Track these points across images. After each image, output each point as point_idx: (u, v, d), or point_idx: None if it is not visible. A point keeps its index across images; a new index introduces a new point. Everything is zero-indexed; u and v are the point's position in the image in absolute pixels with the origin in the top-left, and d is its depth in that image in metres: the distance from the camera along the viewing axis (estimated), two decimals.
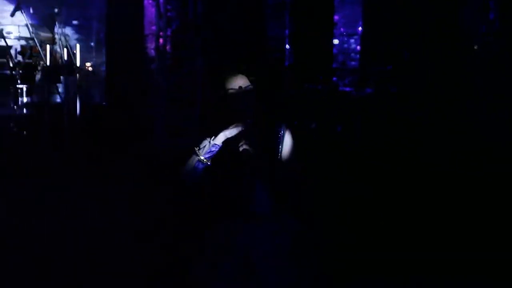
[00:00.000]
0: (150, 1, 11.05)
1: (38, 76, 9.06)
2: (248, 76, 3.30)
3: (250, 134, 3.20)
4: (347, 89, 10.70)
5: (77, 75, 9.24)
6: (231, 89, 3.26)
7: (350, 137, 9.51)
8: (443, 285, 4.53)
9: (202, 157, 3.20)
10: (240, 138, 3.19)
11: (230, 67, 3.34)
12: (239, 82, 3.28)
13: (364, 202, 6.30)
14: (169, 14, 10.90)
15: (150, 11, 11.10)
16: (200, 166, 3.24)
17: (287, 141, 3.33)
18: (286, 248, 3.17)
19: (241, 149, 3.15)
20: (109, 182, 7.20)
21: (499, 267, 4.67)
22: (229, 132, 3.19)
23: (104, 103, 10.48)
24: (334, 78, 10.86)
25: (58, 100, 9.27)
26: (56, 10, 8.91)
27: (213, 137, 3.19)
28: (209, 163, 3.22)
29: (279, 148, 3.33)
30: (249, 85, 3.29)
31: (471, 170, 7.21)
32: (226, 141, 3.25)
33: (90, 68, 10.64)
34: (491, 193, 6.44)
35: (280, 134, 3.33)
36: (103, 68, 11.08)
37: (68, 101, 9.19)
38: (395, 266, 4.78)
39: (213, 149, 3.19)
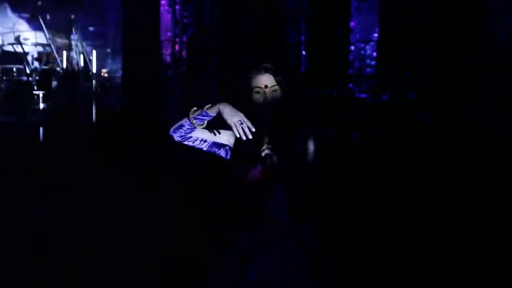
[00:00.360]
0: (166, 8, 11.08)
1: (54, 83, 9.08)
2: (274, 75, 3.15)
3: (273, 137, 3.06)
4: (363, 95, 10.67)
5: (93, 81, 9.28)
6: (257, 87, 3.15)
7: (365, 143, 9.49)
8: (443, 285, 4.54)
9: (191, 115, 3.13)
10: (262, 141, 3.04)
11: (256, 65, 3.17)
12: (265, 81, 3.12)
13: (374, 203, 6.31)
14: (185, 20, 10.93)
15: (166, 18, 11.13)
16: (187, 125, 3.16)
17: (309, 147, 3.26)
18: (300, 256, 3.13)
19: (263, 153, 3.01)
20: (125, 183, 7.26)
21: (499, 267, 4.65)
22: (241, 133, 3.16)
23: (119, 109, 10.50)
24: (350, 85, 10.85)
25: (75, 106, 9.30)
26: (73, 16, 8.97)
27: (210, 105, 3.12)
28: (196, 127, 3.13)
29: (300, 153, 3.26)
30: (275, 85, 3.14)
31: (471, 170, 7.21)
32: (248, 144, 3.20)
33: (105, 75, 10.67)
34: (491, 193, 6.43)
35: (302, 139, 3.27)
36: (119, 74, 11.11)
37: (84, 107, 9.24)
38: (396, 266, 4.78)
39: (205, 115, 3.11)
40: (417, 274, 4.67)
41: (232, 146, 3.21)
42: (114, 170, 7.79)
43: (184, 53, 10.98)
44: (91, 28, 10.79)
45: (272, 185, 3.16)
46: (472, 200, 6.29)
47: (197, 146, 3.20)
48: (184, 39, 10.97)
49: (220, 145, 3.21)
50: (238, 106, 3.28)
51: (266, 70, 3.11)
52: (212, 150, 3.21)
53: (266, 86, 3.09)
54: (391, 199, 6.52)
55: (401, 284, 4.57)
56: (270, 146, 2.99)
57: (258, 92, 3.09)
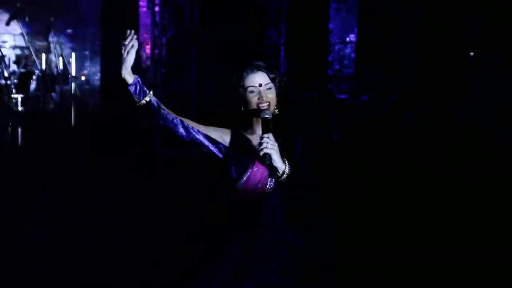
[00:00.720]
0: (145, 10, 11.04)
1: (32, 86, 9.01)
2: (267, 73, 3.13)
3: (269, 131, 3.00)
4: (343, 96, 10.70)
5: (72, 84, 9.22)
6: (251, 86, 3.11)
7: (348, 143, 9.52)
8: (443, 285, 4.56)
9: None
10: (260, 141, 2.99)
11: (249, 63, 3.15)
12: (259, 79, 3.11)
13: (372, 204, 6.32)
14: (164, 22, 10.89)
15: (145, 20, 11.08)
16: (144, 106, 3.03)
17: (305, 148, 3.19)
18: (292, 264, 3.10)
19: (261, 153, 2.95)
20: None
21: (499, 267, 4.67)
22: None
23: (99, 112, 10.44)
24: (329, 85, 10.87)
25: (53, 109, 9.25)
26: (52, 19, 8.90)
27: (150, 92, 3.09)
28: (138, 101, 3.01)
29: (296, 154, 3.22)
30: (269, 82, 3.12)
31: (471, 170, 7.23)
32: (247, 145, 3.17)
33: (83, 78, 10.60)
34: (491, 193, 6.45)
35: (298, 141, 3.17)
36: (97, 77, 11.04)
37: (63, 110, 9.19)
38: (395, 266, 4.79)
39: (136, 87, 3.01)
40: (417, 274, 4.68)
41: (226, 144, 3.17)
42: (96, 172, 7.78)
43: (163, 54, 10.94)
44: (69, 31, 10.70)
45: (268, 191, 3.12)
46: (471, 200, 6.31)
47: (192, 136, 3.11)
48: (164, 41, 10.93)
49: (213, 141, 3.16)
50: (233, 105, 3.26)
51: (260, 69, 3.11)
52: (205, 144, 3.15)
53: (260, 85, 3.08)
54: (389, 199, 6.52)
55: (401, 284, 4.58)
56: (268, 145, 2.94)
57: (252, 92, 3.08)
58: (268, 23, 11.39)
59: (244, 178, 3.11)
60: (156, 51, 10.94)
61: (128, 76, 3.02)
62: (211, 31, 10.91)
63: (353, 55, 11.09)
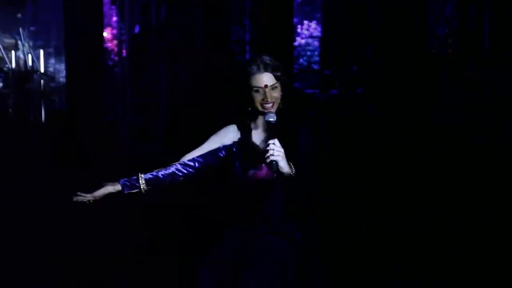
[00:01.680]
0: (109, 5, 10.95)
1: (0, 84, 8.86)
2: (273, 73, 3.05)
3: (275, 136, 2.95)
4: (310, 91, 10.83)
5: (41, 81, 9.09)
6: (256, 87, 3.05)
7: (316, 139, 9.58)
8: (445, 281, 4.62)
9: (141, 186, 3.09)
10: (266, 143, 2.95)
11: (254, 62, 3.07)
12: (265, 80, 3.03)
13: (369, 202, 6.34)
14: (130, 18, 10.82)
15: (109, 15, 10.99)
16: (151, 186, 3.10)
17: (306, 145, 3.14)
18: (291, 256, 3.11)
19: (268, 160, 2.91)
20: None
21: (499, 267, 4.70)
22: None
23: (65, 109, 10.31)
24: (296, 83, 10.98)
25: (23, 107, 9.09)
26: (19, 15, 8.76)
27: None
28: (142, 188, 3.08)
29: (298, 152, 3.21)
30: (275, 83, 3.06)
31: (471, 170, 7.26)
32: (250, 143, 3.15)
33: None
34: (491, 193, 6.48)
35: (301, 138, 3.15)
36: (62, 74, 10.90)
37: (33, 108, 9.05)
38: (394, 265, 4.82)
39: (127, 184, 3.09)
40: (416, 272, 4.70)
41: (228, 142, 3.17)
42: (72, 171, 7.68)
43: (130, 52, 10.87)
44: (32, 28, 10.53)
45: (271, 185, 3.12)
46: (471, 200, 6.34)
47: (203, 163, 3.14)
48: (130, 37, 10.86)
49: (213, 154, 3.16)
50: (239, 105, 3.23)
51: (266, 69, 3.04)
52: (211, 163, 3.16)
53: (266, 86, 3.02)
54: (387, 199, 6.54)
55: (399, 280, 4.61)
56: (275, 152, 2.88)
57: (257, 91, 3.03)
58: (232, 19, 11.42)
59: (248, 175, 3.11)
60: (123, 47, 10.86)
61: (112, 188, 3.07)
62: (178, 28, 10.88)
63: (318, 50, 11.24)
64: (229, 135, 3.21)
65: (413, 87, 9.57)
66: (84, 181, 7.16)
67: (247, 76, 3.06)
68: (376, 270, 4.70)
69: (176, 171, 3.12)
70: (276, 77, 3.06)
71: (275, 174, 2.96)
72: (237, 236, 3.14)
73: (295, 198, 3.14)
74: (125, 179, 3.06)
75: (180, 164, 3.13)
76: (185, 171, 3.13)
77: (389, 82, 9.86)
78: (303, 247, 3.14)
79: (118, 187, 3.04)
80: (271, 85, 3.04)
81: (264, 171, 3.10)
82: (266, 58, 3.08)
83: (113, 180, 3.08)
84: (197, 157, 3.15)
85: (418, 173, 7.37)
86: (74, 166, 7.92)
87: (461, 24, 9.46)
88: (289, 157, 2.96)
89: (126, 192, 3.05)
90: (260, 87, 3.03)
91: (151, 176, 3.08)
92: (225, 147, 3.18)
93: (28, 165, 7.93)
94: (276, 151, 2.88)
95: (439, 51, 9.72)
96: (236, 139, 3.19)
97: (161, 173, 3.10)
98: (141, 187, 3.06)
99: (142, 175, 3.08)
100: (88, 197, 3.08)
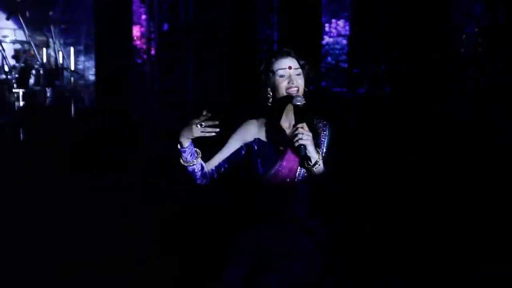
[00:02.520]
0: (139, 3, 11.04)
1: (31, 81, 8.97)
2: (297, 59, 3.04)
3: (303, 120, 2.92)
4: (337, 89, 10.80)
5: (71, 79, 9.21)
6: (280, 69, 3.00)
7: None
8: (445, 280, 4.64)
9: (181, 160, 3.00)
10: (293, 133, 2.92)
11: (278, 50, 3.12)
12: (289, 62, 3.01)
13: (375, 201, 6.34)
14: (159, 17, 10.90)
15: (139, 14, 11.08)
16: (189, 168, 3.00)
17: (328, 140, 3.09)
18: (316, 252, 3.10)
19: (296, 144, 2.88)
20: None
21: (499, 267, 4.73)
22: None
23: (95, 107, 10.42)
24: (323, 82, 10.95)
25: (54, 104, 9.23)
26: (51, 13, 8.88)
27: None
28: (190, 163, 2.98)
29: (325, 145, 3.17)
30: (298, 68, 3.02)
31: (471, 170, 7.24)
32: (274, 137, 3.13)
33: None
34: (491, 193, 6.49)
35: (324, 133, 3.10)
36: (92, 72, 11.01)
37: (63, 105, 9.18)
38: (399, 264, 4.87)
39: (184, 150, 2.97)
40: (416, 272, 4.74)
41: (250, 139, 3.11)
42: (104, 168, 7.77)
43: (158, 49, 10.94)
44: (62, 26, 10.63)
45: (295, 183, 3.11)
46: (471, 200, 6.35)
47: (222, 172, 3.11)
48: (159, 35, 10.93)
49: (236, 152, 3.12)
50: (263, 97, 3.23)
51: (289, 54, 3.04)
52: (234, 163, 3.13)
53: (290, 67, 2.99)
54: (388, 199, 6.54)
55: (400, 280, 4.64)
56: (304, 136, 2.86)
57: (282, 76, 2.99)
58: (260, 18, 11.44)
59: (272, 171, 3.07)
60: (152, 45, 10.95)
61: (185, 141, 2.98)
62: (206, 26, 10.93)
63: (346, 48, 11.20)
64: (250, 130, 3.15)
65: (441, 86, 9.53)
66: (110, 178, 7.34)
67: (272, 62, 3.05)
68: (376, 270, 4.70)
69: (207, 174, 3.13)
70: (299, 64, 3.04)
71: (299, 172, 2.96)
72: (261, 234, 3.12)
73: (320, 192, 3.12)
74: (194, 148, 2.99)
75: (210, 170, 3.11)
76: (211, 178, 3.12)
77: (416, 81, 9.81)
78: (328, 244, 3.12)
79: (186, 143, 2.97)
80: (295, 68, 3.00)
81: (289, 164, 3.08)
82: (290, 48, 3.09)
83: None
84: (222, 162, 3.12)
85: (424, 173, 7.35)
86: (101, 163, 8.03)
87: (490, 23, 9.39)
88: (319, 150, 2.96)
89: (183, 150, 2.97)
90: (284, 69, 3.00)
91: (201, 166, 3.04)
92: (246, 145, 3.14)
93: (54, 162, 8.04)
94: (305, 135, 2.87)
95: (467, 50, 9.66)
96: (257, 134, 3.14)
97: (201, 166, 3.06)
98: (193, 161, 3.00)
99: (200, 157, 3.03)
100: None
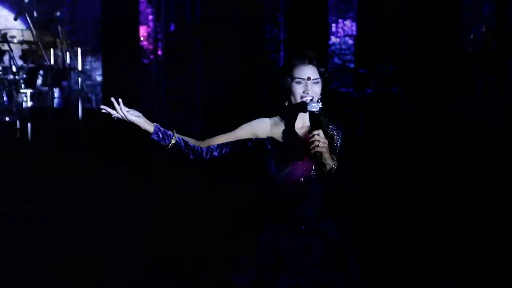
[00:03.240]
0: (146, 3, 11.04)
1: (39, 81, 8.97)
2: (317, 67, 3.01)
3: (322, 132, 2.89)
4: (344, 90, 10.77)
5: (79, 79, 9.21)
6: (299, 78, 3.02)
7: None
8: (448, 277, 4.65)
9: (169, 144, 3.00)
10: (309, 137, 2.89)
11: (299, 54, 3.03)
12: (308, 72, 2.98)
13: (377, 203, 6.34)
14: (166, 17, 10.91)
15: (146, 14, 11.09)
16: (179, 146, 3.02)
17: (342, 143, 3.09)
18: (326, 252, 3.09)
19: (312, 151, 2.87)
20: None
21: (499, 267, 4.72)
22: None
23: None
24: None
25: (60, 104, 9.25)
26: (58, 13, 8.88)
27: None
28: (169, 144, 2.98)
29: (339, 148, 3.11)
30: (318, 78, 3.00)
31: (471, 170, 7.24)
32: (289, 140, 3.11)
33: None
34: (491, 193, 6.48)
35: (337, 137, 3.09)
36: (98, 72, 11.02)
37: (70, 105, 9.19)
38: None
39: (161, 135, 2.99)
40: (416, 272, 4.74)
41: (261, 137, 3.09)
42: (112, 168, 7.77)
43: (165, 49, 10.95)
44: (70, 26, 10.65)
45: (307, 184, 3.09)
46: (470, 200, 6.34)
47: (224, 153, 3.08)
48: (166, 36, 10.93)
49: (241, 143, 3.10)
50: (279, 97, 3.21)
51: (311, 61, 3.00)
52: (236, 150, 3.10)
53: (308, 78, 2.96)
54: (396, 198, 6.55)
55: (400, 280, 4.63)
56: (320, 144, 2.84)
57: (299, 83, 2.98)
58: (266, 18, 11.44)
59: (285, 172, 3.05)
60: (159, 45, 10.95)
61: (148, 125, 2.98)
62: (212, 26, 10.94)
63: (353, 48, 11.19)
64: (262, 127, 3.12)
65: (449, 86, 9.51)
66: (117, 179, 7.34)
67: (291, 67, 3.02)
68: (389, 269, 4.70)
69: (204, 152, 3.10)
70: (319, 72, 3.02)
71: (312, 172, 2.94)
72: (272, 235, 3.10)
73: (333, 194, 3.10)
74: (161, 128, 2.99)
75: (209, 147, 3.09)
76: (210, 155, 3.08)
77: (424, 81, 9.80)
78: (340, 244, 3.10)
79: (150, 128, 2.98)
80: (313, 79, 2.98)
81: (302, 165, 3.07)
82: (312, 52, 3.05)
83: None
84: (225, 144, 3.10)
85: (431, 173, 7.35)
86: (110, 163, 8.03)
87: (499, 23, 9.36)
88: (334, 156, 2.96)
89: (153, 137, 2.97)
90: (303, 79, 2.98)
91: (182, 141, 3.03)
92: (255, 140, 3.12)
93: (63, 161, 8.05)
94: (321, 142, 2.85)
95: (475, 50, 9.63)
96: (269, 133, 3.11)
97: (192, 145, 3.05)
98: (169, 144, 2.99)
99: (176, 135, 3.01)
100: (114, 114, 3.03)
